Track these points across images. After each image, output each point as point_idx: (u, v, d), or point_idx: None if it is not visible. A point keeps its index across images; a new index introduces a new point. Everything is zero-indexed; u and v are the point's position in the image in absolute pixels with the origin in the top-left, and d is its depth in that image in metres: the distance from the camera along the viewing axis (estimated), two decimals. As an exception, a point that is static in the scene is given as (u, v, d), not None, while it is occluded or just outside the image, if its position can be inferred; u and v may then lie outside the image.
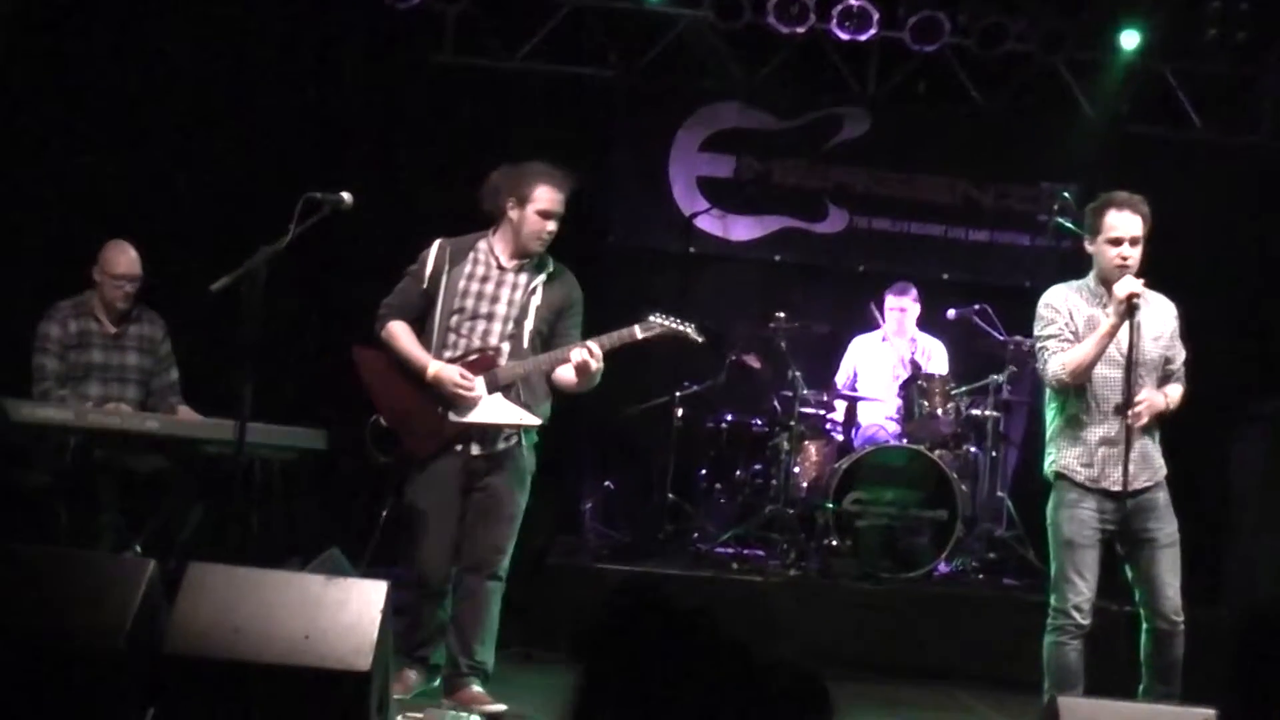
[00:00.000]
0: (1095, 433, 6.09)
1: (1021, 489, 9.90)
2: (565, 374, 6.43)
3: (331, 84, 10.35)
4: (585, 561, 9.23)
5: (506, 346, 6.37)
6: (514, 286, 6.44)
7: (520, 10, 10.76)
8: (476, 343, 6.35)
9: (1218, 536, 9.61)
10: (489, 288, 6.41)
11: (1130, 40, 10.66)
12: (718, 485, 10.10)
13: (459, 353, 6.35)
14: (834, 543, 9.22)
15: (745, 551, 9.64)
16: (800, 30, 10.47)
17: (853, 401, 10.05)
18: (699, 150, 11.26)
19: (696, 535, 9.84)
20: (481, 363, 6.32)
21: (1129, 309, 5.92)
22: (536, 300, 6.44)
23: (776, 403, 9.89)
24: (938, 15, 10.35)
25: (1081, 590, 6.02)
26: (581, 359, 6.26)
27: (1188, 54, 10.82)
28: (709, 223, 11.08)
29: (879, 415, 10.03)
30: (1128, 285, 5.94)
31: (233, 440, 6.12)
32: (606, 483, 10.35)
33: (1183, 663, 6.02)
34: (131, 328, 7.85)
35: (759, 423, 10.05)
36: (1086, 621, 6.02)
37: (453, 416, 6.30)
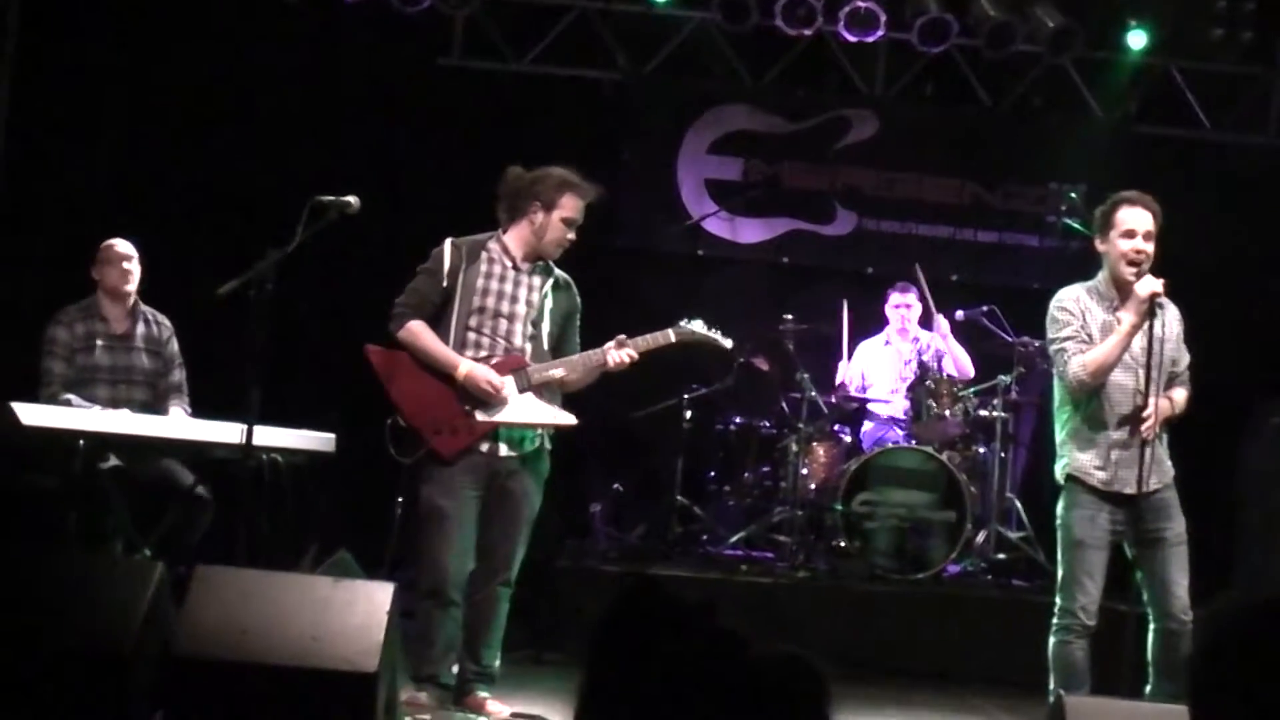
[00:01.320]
0: (1109, 436, 6.08)
1: (1030, 490, 9.92)
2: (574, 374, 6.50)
3: (341, 88, 10.36)
4: (594, 564, 9.23)
5: (529, 347, 6.40)
6: (530, 288, 6.46)
7: (528, 14, 10.78)
8: (501, 342, 6.37)
9: (1227, 538, 9.60)
10: (507, 287, 6.42)
11: (1137, 40, 10.67)
12: (726, 487, 10.11)
13: (484, 352, 6.35)
14: (843, 544, 9.22)
15: (754, 554, 9.65)
16: (807, 32, 10.46)
17: (861, 403, 10.05)
18: (707, 152, 11.26)
19: (705, 537, 9.86)
20: (510, 363, 6.34)
21: (1150, 308, 5.93)
22: (549, 304, 6.48)
23: (784, 405, 9.90)
24: (945, 16, 10.34)
25: (1090, 591, 6.04)
26: (619, 360, 6.35)
27: (1195, 54, 10.82)
28: (717, 225, 11.07)
29: (887, 417, 10.03)
30: (1150, 284, 5.94)
31: (242, 444, 6.14)
32: (615, 485, 10.35)
33: (1190, 662, 6.00)
34: (139, 329, 7.85)
35: (767, 425, 10.06)
36: (1093, 622, 6.04)
37: (481, 415, 6.30)
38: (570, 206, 6.44)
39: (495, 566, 6.40)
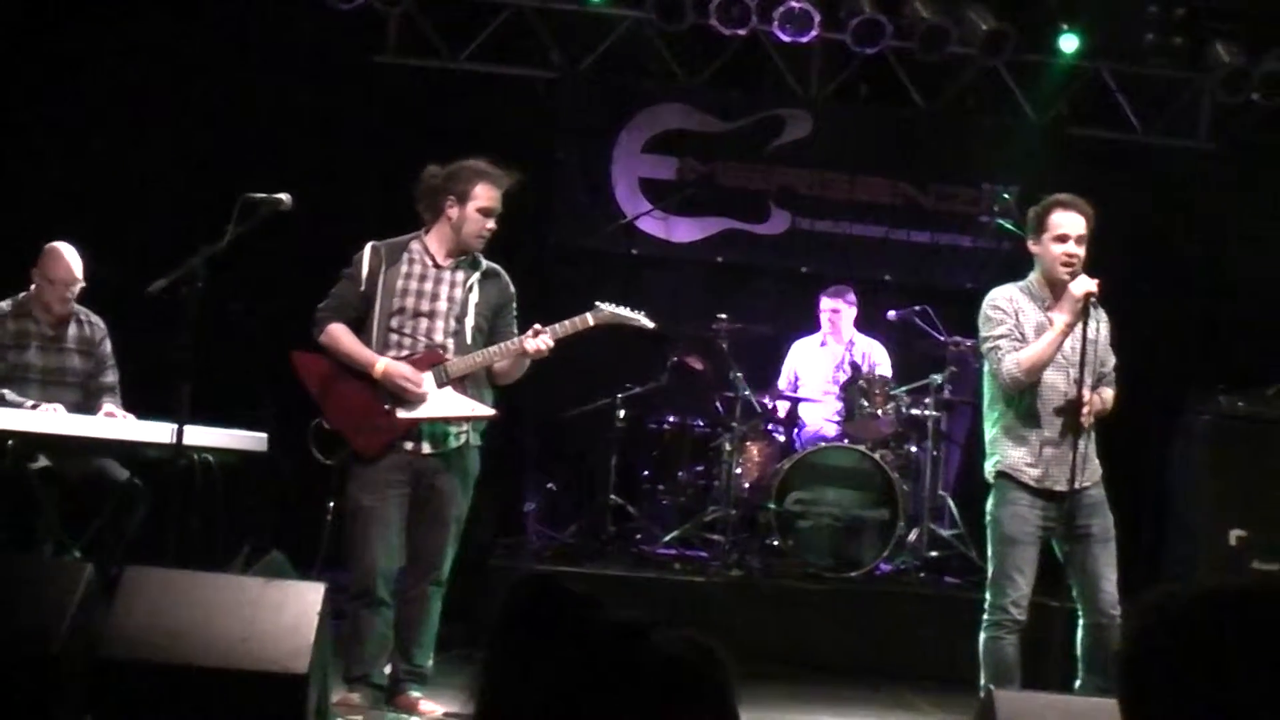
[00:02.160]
0: (1041, 433, 6.18)
1: (963, 488, 9.99)
2: (501, 363, 6.46)
3: (273, 85, 10.28)
4: (527, 563, 9.22)
5: (451, 343, 6.38)
6: (452, 284, 6.44)
7: (463, 11, 10.73)
8: (421, 340, 6.35)
9: (1156, 534, 9.70)
10: (428, 286, 6.41)
11: (1069, 44, 10.74)
12: (660, 486, 10.10)
13: (405, 352, 6.34)
14: (776, 543, 9.25)
15: (688, 552, 9.64)
16: (742, 32, 10.47)
17: (794, 403, 10.08)
18: (642, 151, 11.24)
19: (639, 536, 9.86)
20: (428, 359, 6.32)
21: (1085, 308, 6.01)
22: (475, 297, 6.44)
23: (718, 404, 9.92)
24: (879, 17, 10.37)
25: (1020, 587, 6.11)
26: (537, 347, 6.28)
27: (1126, 57, 10.94)
28: (651, 224, 11.05)
29: (820, 416, 10.07)
30: (1084, 284, 6.03)
31: (172, 443, 6.10)
32: (549, 484, 10.34)
33: (1118, 656, 6.09)
34: (71, 329, 7.78)
35: (701, 424, 10.07)
36: (1023, 618, 6.12)
37: (401, 413, 6.29)
38: (485, 196, 6.41)
39: (425, 566, 6.39)
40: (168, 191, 9.76)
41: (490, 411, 6.42)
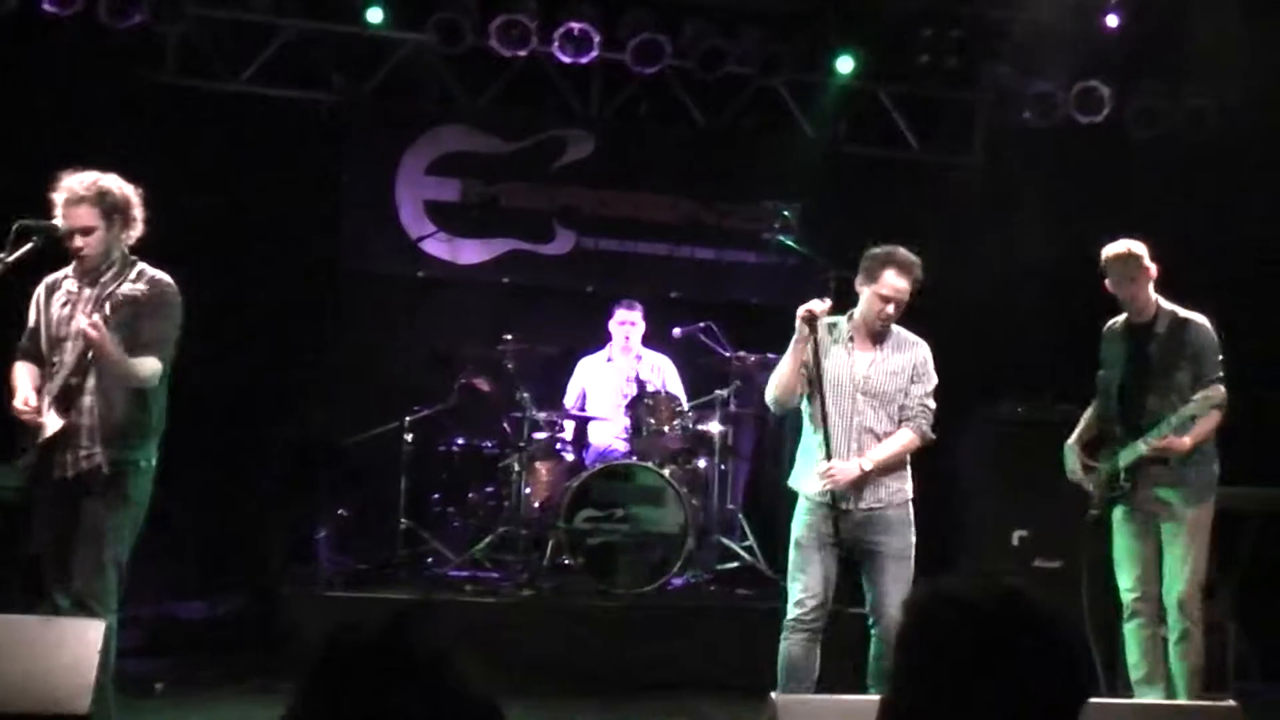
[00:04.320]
0: (823, 453, 6.42)
1: (753, 500, 10.12)
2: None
3: (49, 106, 10.00)
4: (319, 590, 9.09)
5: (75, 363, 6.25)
6: (85, 302, 6.30)
7: (243, 33, 10.56)
8: (60, 366, 6.26)
9: (945, 536, 9.92)
10: (67, 310, 6.32)
11: (845, 65, 10.97)
12: (450, 509, 10.07)
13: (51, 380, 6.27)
14: (567, 561, 9.28)
15: (480, 574, 9.62)
16: (522, 53, 10.50)
17: (582, 421, 10.12)
18: (425, 174, 11.21)
19: (431, 560, 9.80)
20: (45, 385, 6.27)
21: (809, 329, 6.37)
22: (107, 311, 6.22)
23: (506, 425, 9.91)
24: (658, 38, 10.48)
25: (808, 586, 6.39)
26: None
27: (902, 78, 11.21)
28: (436, 246, 11.03)
29: (609, 434, 10.13)
30: (806, 305, 6.38)
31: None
32: (340, 510, 10.22)
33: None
34: None
35: (490, 445, 10.05)
36: (810, 618, 6.38)
37: (37, 441, 6.19)
38: (63, 215, 6.30)
39: (76, 590, 6.21)
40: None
41: (56, 425, 6.17)
